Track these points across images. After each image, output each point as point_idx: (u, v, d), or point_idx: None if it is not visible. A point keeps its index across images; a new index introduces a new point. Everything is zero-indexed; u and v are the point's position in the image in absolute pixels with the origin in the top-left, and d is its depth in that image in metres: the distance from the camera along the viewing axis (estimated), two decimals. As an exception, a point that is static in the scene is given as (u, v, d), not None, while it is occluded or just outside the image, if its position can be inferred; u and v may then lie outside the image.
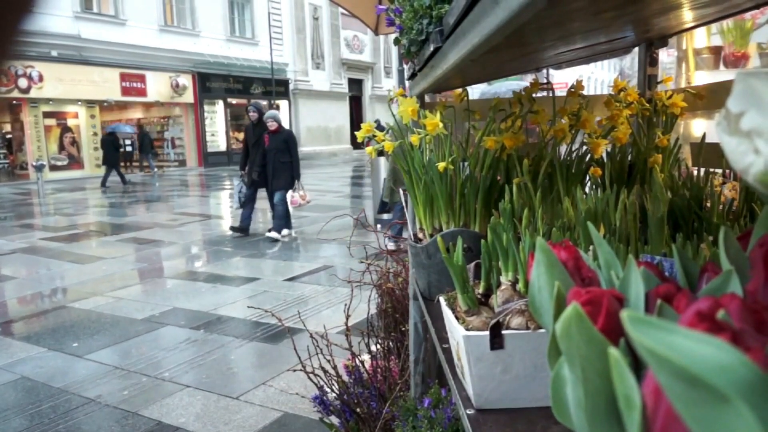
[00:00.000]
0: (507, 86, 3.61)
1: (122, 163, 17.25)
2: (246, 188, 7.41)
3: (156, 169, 19.19)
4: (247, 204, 7.50)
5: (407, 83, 1.85)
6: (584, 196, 0.95)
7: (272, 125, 7.14)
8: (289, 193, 7.28)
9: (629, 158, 1.25)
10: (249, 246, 7.01)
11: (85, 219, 9.89)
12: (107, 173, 15.37)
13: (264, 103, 22.60)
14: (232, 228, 7.71)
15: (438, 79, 1.19)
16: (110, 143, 15.63)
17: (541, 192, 1.03)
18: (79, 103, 17.93)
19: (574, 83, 1.29)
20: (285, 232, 7.40)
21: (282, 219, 7.29)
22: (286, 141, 7.19)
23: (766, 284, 0.38)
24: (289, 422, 2.79)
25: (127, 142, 20.01)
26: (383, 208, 6.51)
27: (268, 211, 7.86)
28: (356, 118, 27.56)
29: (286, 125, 23.70)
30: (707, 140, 1.21)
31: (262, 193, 7.64)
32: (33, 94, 16.26)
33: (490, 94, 3.55)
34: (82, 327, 4.25)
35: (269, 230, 7.40)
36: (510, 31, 0.61)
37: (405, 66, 1.76)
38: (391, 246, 3.24)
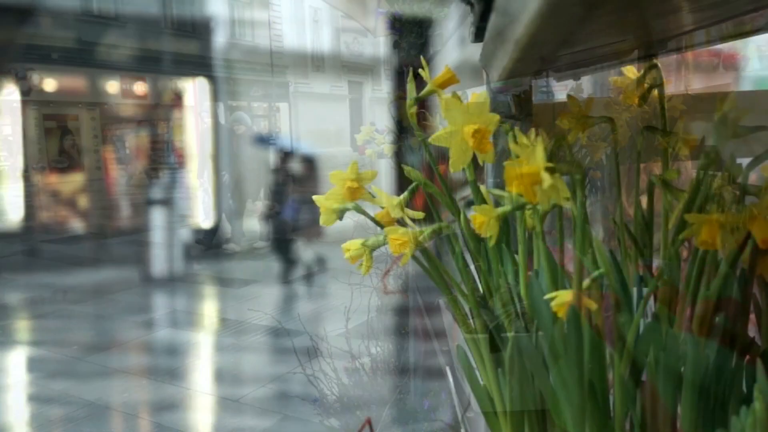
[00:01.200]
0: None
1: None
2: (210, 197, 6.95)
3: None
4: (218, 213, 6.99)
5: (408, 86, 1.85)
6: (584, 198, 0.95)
7: (239, 129, 6.57)
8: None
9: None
10: (248, 248, 7.00)
11: (85, 221, 9.89)
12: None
13: (264, 105, 22.70)
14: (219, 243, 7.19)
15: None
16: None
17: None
18: (80, 105, 17.94)
19: (573, 86, 1.29)
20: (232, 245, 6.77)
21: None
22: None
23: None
24: (288, 425, 2.78)
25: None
26: None
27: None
28: (356, 121, 27.57)
29: (286, 127, 23.94)
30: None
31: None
32: (33, 96, 16.27)
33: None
34: (83, 329, 4.25)
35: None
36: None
37: (404, 69, 1.77)
38: None
